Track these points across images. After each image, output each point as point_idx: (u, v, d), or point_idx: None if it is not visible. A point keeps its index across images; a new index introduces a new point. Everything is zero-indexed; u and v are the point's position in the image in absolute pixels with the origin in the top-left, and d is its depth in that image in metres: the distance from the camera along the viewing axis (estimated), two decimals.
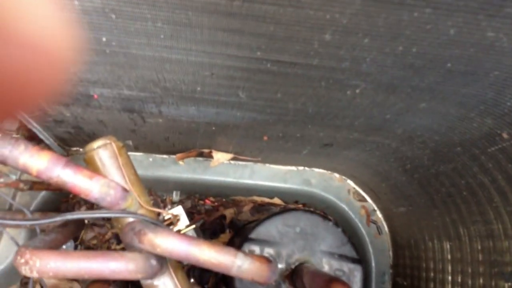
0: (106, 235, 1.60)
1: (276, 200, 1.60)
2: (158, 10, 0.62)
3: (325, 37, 0.60)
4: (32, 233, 1.43)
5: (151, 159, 1.57)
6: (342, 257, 1.14)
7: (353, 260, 1.14)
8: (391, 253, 1.52)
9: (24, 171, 0.90)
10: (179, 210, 1.19)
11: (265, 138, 1.21)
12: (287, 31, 0.61)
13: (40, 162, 0.88)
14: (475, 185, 0.99)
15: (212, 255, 0.95)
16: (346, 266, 1.12)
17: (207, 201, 1.68)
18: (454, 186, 1.05)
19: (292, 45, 0.64)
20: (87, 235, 1.58)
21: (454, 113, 0.84)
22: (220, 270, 0.95)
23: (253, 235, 1.16)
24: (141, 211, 1.09)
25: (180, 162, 1.54)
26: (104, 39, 0.70)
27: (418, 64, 0.65)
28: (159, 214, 1.18)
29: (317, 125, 1.04)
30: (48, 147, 1.37)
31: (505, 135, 0.84)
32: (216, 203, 1.66)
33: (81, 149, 1.52)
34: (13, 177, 1.09)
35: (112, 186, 0.96)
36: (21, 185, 1.07)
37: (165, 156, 1.57)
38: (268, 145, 1.31)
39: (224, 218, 1.64)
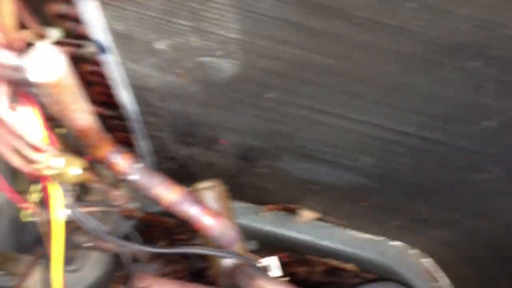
0: (180, 273, 1.64)
1: (350, 266, 1.61)
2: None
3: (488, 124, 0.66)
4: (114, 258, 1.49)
5: (234, 205, 1.62)
6: None
7: None
8: None
9: (154, 201, 0.98)
10: (273, 261, 1.22)
11: (363, 203, 1.25)
12: (450, 110, 0.67)
13: (174, 196, 0.96)
14: None
15: None
16: None
17: (280, 255, 1.69)
18: None
19: (450, 125, 0.70)
20: (163, 271, 1.62)
21: None
22: None
23: None
24: None
25: (263, 214, 1.58)
26: (270, 95, 0.79)
27: None
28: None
29: (424, 201, 1.07)
30: None
31: None
32: (289, 259, 1.68)
33: None
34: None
35: (231, 228, 1.02)
36: (136, 213, 1.14)
37: (246, 204, 1.62)
38: (360, 212, 1.34)
39: (295, 275, 1.64)
